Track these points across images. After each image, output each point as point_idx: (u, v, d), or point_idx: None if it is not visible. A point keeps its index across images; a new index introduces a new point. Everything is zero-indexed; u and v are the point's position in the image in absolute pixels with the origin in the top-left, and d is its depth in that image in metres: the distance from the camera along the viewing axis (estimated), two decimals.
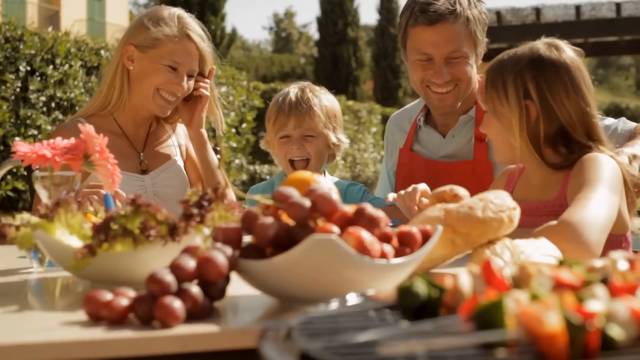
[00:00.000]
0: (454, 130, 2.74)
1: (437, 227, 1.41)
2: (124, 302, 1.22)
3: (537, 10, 17.27)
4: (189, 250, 1.30)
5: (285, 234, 1.32)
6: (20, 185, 10.10)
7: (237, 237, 1.36)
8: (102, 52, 11.22)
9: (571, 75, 2.04)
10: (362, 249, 1.25)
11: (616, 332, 0.80)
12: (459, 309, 0.94)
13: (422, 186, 2.09)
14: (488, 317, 0.81)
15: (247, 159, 16.79)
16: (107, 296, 1.24)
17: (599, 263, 1.05)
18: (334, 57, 32.10)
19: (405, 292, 0.96)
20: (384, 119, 25.11)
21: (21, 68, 10.06)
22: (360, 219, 1.31)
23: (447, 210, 1.57)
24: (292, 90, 2.81)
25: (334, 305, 1.07)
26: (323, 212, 1.33)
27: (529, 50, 2.08)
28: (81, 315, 1.27)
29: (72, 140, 1.86)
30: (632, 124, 2.52)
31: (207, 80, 2.79)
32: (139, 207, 1.44)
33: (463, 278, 0.96)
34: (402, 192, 2.11)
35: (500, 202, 1.58)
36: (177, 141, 2.92)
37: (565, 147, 2.06)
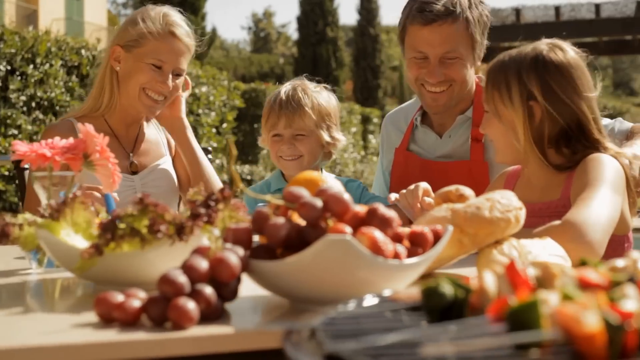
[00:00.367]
0: (451, 130, 2.74)
1: (448, 227, 1.41)
2: (136, 303, 1.21)
3: (517, 11, 17.32)
4: (200, 251, 1.29)
5: (296, 234, 1.31)
6: (0, 186, 10.01)
7: (247, 238, 1.35)
8: (83, 51, 11.12)
9: (574, 76, 2.04)
10: (376, 249, 1.25)
11: None
12: (486, 309, 0.94)
13: (424, 184, 2.10)
14: (522, 317, 0.80)
15: (228, 159, 16.74)
16: (119, 297, 1.22)
17: (620, 263, 1.05)
18: (314, 57, 32.10)
19: (431, 292, 0.95)
20: (364, 119, 25.13)
21: (1, 67, 9.96)
22: (373, 219, 1.30)
23: (454, 211, 1.56)
24: (285, 88, 2.81)
25: (355, 306, 1.06)
26: (335, 212, 1.32)
27: (532, 51, 2.08)
28: (91, 316, 1.25)
29: (70, 139, 1.85)
30: (628, 124, 2.53)
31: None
32: (146, 206, 1.42)
33: (488, 278, 0.96)
34: (404, 190, 2.10)
35: (507, 202, 1.58)
36: (166, 138, 2.92)
37: (569, 147, 2.06)
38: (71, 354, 1.10)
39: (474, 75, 2.70)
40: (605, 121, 2.54)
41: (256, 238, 1.36)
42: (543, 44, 2.10)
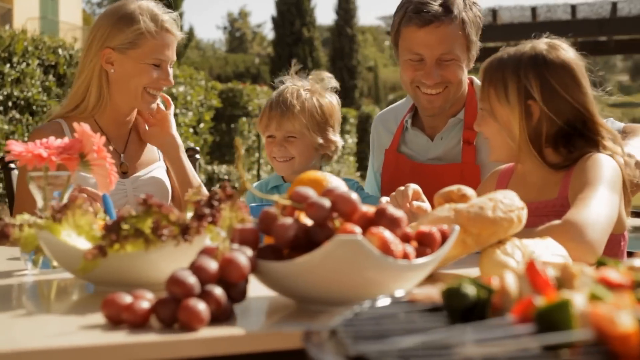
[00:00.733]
0: (442, 132, 2.73)
1: (454, 227, 1.40)
2: (145, 305, 1.20)
3: (494, 12, 17.40)
4: (208, 252, 1.27)
5: (304, 234, 1.31)
6: None
7: (254, 238, 1.34)
8: (60, 50, 11.02)
9: (573, 75, 2.05)
10: (386, 249, 1.24)
11: None
12: (508, 310, 0.94)
13: (414, 186, 2.09)
14: (552, 318, 0.80)
15: (204, 159, 16.68)
16: (127, 299, 1.21)
17: (638, 262, 1.05)
18: (290, 57, 31.98)
19: (453, 293, 0.94)
20: (342, 119, 25.11)
21: None
22: (382, 219, 1.30)
23: (457, 210, 1.56)
24: (280, 89, 2.81)
25: (372, 306, 1.05)
26: (343, 212, 1.31)
27: (531, 50, 2.08)
28: (98, 318, 1.24)
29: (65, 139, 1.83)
30: (620, 124, 2.54)
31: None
32: (150, 207, 1.41)
33: (509, 279, 0.95)
34: (394, 193, 2.10)
35: (509, 202, 1.58)
36: None
37: (566, 146, 2.06)
38: (83, 356, 1.09)
39: (465, 77, 2.70)
40: None
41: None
42: (542, 43, 2.10)
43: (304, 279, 1.26)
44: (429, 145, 2.76)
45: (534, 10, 17.45)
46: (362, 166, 23.34)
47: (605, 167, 1.98)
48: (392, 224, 1.30)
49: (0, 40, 10.18)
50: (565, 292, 0.87)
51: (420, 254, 1.32)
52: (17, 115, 10.39)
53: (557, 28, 18.31)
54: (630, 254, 2.43)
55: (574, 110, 2.04)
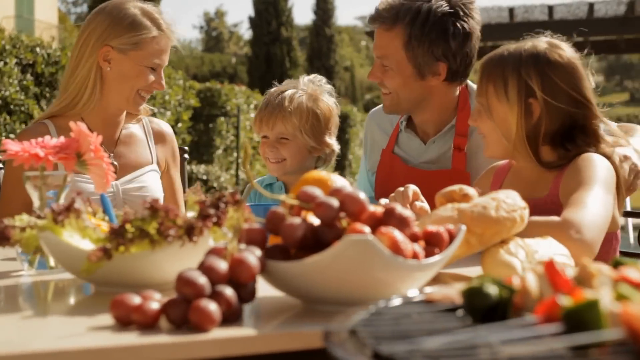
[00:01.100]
0: (436, 137, 2.73)
1: (461, 226, 1.40)
2: (154, 305, 1.19)
3: None
4: (216, 252, 1.26)
5: (312, 234, 1.30)
6: None
7: (261, 238, 1.33)
8: (38, 49, 10.93)
9: (574, 74, 2.05)
10: (396, 249, 1.24)
11: None
12: (529, 310, 0.93)
13: (414, 187, 2.09)
14: (581, 317, 0.80)
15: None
16: (136, 300, 1.20)
17: None
18: (268, 57, 32.02)
19: (475, 293, 0.94)
20: None
21: None
22: (391, 218, 1.30)
23: (460, 210, 1.56)
24: (277, 89, 2.79)
25: (390, 306, 1.05)
26: (351, 212, 1.30)
27: (532, 48, 2.08)
28: (106, 319, 1.23)
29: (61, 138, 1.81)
30: (613, 124, 2.55)
31: None
32: (156, 211, 1.40)
33: (530, 278, 0.95)
34: (393, 194, 2.10)
35: (512, 202, 1.58)
36: (156, 152, 2.84)
37: (564, 145, 2.07)
38: (95, 357, 1.08)
39: (421, 88, 2.64)
40: None
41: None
42: (542, 42, 2.11)
43: (313, 279, 1.26)
44: (421, 148, 2.76)
45: (511, 10, 17.59)
46: (339, 166, 23.39)
47: (599, 167, 1.99)
48: (401, 223, 1.29)
49: None
50: (590, 292, 0.87)
51: (428, 253, 1.32)
52: None
53: (534, 29, 18.43)
54: (623, 254, 2.46)
55: (574, 109, 2.05)
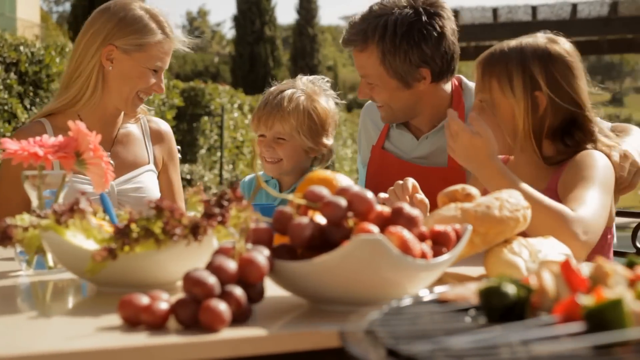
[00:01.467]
0: (429, 133, 2.73)
1: (467, 226, 1.40)
2: (163, 305, 1.18)
3: (456, 13, 17.52)
4: (224, 252, 1.26)
5: (319, 234, 1.30)
6: None
7: (268, 238, 1.33)
8: (22, 48, 10.86)
9: (573, 69, 2.08)
10: (406, 249, 1.24)
11: None
12: (547, 309, 0.93)
13: (413, 180, 2.10)
14: (605, 316, 0.80)
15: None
16: (144, 300, 1.19)
17: None
18: (252, 56, 31.96)
19: (492, 292, 0.94)
20: None
21: None
22: (399, 218, 1.29)
23: (463, 210, 1.56)
24: (276, 88, 2.78)
25: (402, 306, 1.05)
26: (359, 212, 1.30)
27: (533, 43, 2.10)
28: (113, 319, 1.22)
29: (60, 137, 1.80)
30: (607, 124, 2.56)
31: None
32: (162, 210, 1.39)
33: (547, 278, 0.95)
34: (392, 187, 2.11)
35: (515, 201, 1.58)
36: (153, 151, 2.82)
37: (564, 140, 2.09)
38: (105, 358, 1.07)
39: (412, 95, 2.63)
40: None
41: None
42: (541, 37, 2.13)
43: (322, 279, 1.25)
44: (414, 143, 2.76)
45: (495, 11, 17.63)
46: None
47: (599, 165, 2.01)
48: (410, 223, 1.29)
49: None
50: (611, 291, 0.87)
51: (436, 253, 1.32)
52: None
53: (518, 29, 18.56)
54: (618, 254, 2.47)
55: (573, 103, 2.07)
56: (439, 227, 1.35)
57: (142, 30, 2.56)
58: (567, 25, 16.99)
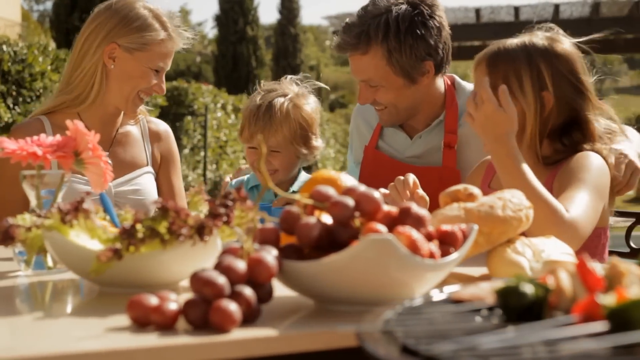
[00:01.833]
0: (422, 132, 2.74)
1: (473, 226, 1.40)
2: (173, 306, 1.17)
3: None
4: (231, 252, 1.25)
5: (326, 234, 1.29)
6: None
7: (275, 238, 1.32)
8: (4, 47, 10.78)
9: (576, 67, 2.09)
10: (414, 248, 1.23)
11: None
12: (564, 308, 0.94)
13: (414, 176, 2.11)
14: (629, 316, 0.80)
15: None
16: (153, 300, 1.18)
17: None
18: (234, 56, 31.89)
19: (510, 292, 0.94)
20: None
21: None
22: (407, 218, 1.29)
23: (467, 210, 1.56)
24: (262, 99, 2.73)
25: (417, 306, 1.05)
26: (366, 212, 1.30)
27: (536, 41, 2.11)
28: (121, 320, 1.21)
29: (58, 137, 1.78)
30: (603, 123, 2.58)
31: None
32: (167, 210, 1.38)
33: (564, 277, 0.95)
34: (392, 183, 2.12)
35: (518, 201, 1.59)
36: (151, 152, 2.80)
37: (562, 140, 2.10)
38: (116, 359, 1.06)
39: (416, 91, 2.64)
40: None
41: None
42: (543, 34, 2.14)
43: (331, 279, 1.25)
44: (407, 143, 2.77)
45: (477, 11, 17.67)
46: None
47: (594, 167, 2.02)
48: (418, 223, 1.29)
49: None
50: (633, 291, 0.88)
51: (443, 253, 1.32)
52: None
53: (500, 29, 18.60)
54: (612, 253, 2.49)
55: (579, 100, 2.08)
56: (446, 227, 1.35)
57: (145, 30, 2.54)
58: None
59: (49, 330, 1.18)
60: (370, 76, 2.58)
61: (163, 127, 2.85)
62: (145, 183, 2.69)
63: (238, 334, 1.13)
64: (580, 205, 1.90)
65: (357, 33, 2.54)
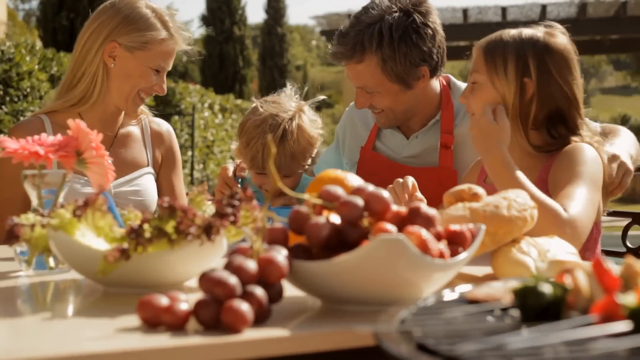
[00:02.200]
0: (419, 132, 2.74)
1: (480, 225, 1.41)
2: (184, 306, 1.16)
3: None
4: (241, 252, 1.25)
5: (335, 234, 1.29)
6: None
7: (283, 238, 1.32)
8: None
9: (568, 63, 2.13)
10: (425, 248, 1.23)
11: None
12: (581, 308, 0.94)
13: (412, 179, 2.11)
14: None
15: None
16: (164, 301, 1.18)
17: None
18: (221, 55, 31.84)
19: (529, 292, 0.94)
20: None
21: None
22: (417, 218, 1.29)
23: (472, 209, 1.57)
24: (271, 123, 2.48)
25: (431, 305, 1.04)
26: (375, 211, 1.30)
27: (533, 33, 2.17)
28: (131, 320, 1.20)
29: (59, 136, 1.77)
30: (596, 124, 2.59)
31: None
32: (174, 210, 1.37)
33: (581, 277, 0.96)
34: (391, 185, 2.12)
35: (522, 201, 1.59)
36: (152, 153, 2.79)
37: (551, 132, 2.13)
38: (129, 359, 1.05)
39: (413, 95, 2.64)
40: None
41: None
42: (541, 28, 2.18)
43: (341, 279, 1.24)
44: (404, 143, 2.77)
45: (465, 11, 17.69)
46: None
47: (589, 160, 2.05)
48: (427, 222, 1.29)
49: None
50: None
51: (453, 252, 1.32)
52: None
53: (488, 30, 18.61)
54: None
55: (564, 97, 2.11)
56: (455, 227, 1.35)
57: (146, 29, 2.53)
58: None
59: (58, 331, 1.18)
60: (366, 83, 2.59)
61: (165, 127, 2.84)
62: (145, 184, 2.67)
63: (250, 334, 1.13)
64: (579, 202, 1.91)
65: (353, 43, 2.54)
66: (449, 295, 1.15)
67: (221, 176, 2.60)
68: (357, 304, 1.29)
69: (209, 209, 1.62)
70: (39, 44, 12.09)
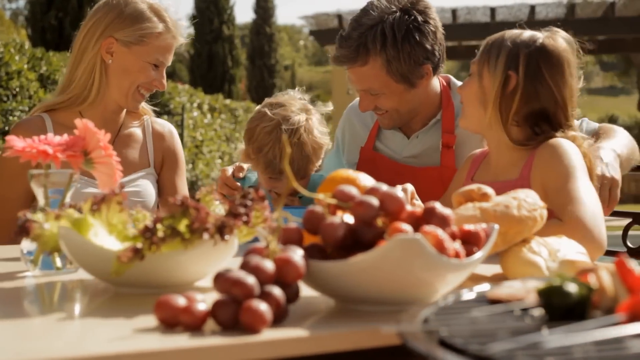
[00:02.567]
0: (419, 132, 2.75)
1: (494, 225, 1.41)
2: (202, 306, 1.16)
3: None
4: (257, 251, 1.24)
5: (350, 234, 1.29)
6: None
7: (298, 238, 1.32)
8: None
9: (561, 67, 2.15)
10: (441, 248, 1.23)
11: None
12: (606, 308, 0.94)
13: (411, 187, 2.10)
14: None
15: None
16: (181, 301, 1.17)
17: None
18: (210, 55, 31.75)
19: (554, 291, 0.94)
20: None
21: None
22: (432, 218, 1.29)
23: (483, 209, 1.57)
24: (287, 130, 2.48)
25: (453, 305, 1.05)
26: (390, 211, 1.30)
27: (532, 34, 2.21)
28: (148, 321, 1.20)
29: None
30: (594, 124, 2.60)
31: None
32: (187, 208, 1.37)
33: (606, 277, 0.96)
34: None
35: (532, 201, 1.59)
36: (154, 154, 2.77)
37: (534, 129, 2.15)
38: None
39: (417, 94, 2.66)
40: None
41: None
42: (543, 31, 2.24)
43: (356, 279, 1.24)
44: (404, 143, 2.77)
45: (454, 12, 17.72)
46: None
47: (571, 152, 2.06)
48: (443, 222, 1.29)
49: None
50: None
51: (467, 252, 1.32)
52: None
53: (477, 30, 18.67)
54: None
55: (551, 99, 2.12)
56: (469, 227, 1.35)
57: (142, 23, 2.52)
58: (524, 27, 17.16)
59: (73, 331, 1.17)
60: (370, 85, 2.59)
61: (168, 128, 2.83)
62: (146, 185, 2.66)
63: (269, 334, 1.13)
64: (583, 199, 1.91)
65: (356, 46, 2.54)
66: (467, 295, 1.15)
67: (221, 178, 2.61)
68: (372, 304, 1.29)
69: (218, 208, 1.62)
70: (27, 43, 12.02)
